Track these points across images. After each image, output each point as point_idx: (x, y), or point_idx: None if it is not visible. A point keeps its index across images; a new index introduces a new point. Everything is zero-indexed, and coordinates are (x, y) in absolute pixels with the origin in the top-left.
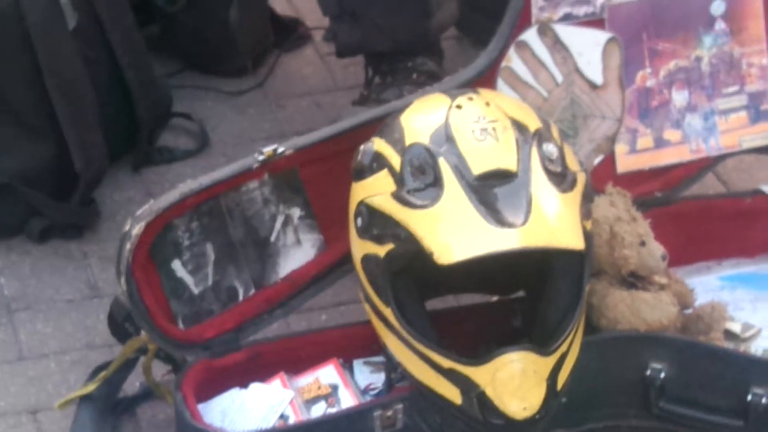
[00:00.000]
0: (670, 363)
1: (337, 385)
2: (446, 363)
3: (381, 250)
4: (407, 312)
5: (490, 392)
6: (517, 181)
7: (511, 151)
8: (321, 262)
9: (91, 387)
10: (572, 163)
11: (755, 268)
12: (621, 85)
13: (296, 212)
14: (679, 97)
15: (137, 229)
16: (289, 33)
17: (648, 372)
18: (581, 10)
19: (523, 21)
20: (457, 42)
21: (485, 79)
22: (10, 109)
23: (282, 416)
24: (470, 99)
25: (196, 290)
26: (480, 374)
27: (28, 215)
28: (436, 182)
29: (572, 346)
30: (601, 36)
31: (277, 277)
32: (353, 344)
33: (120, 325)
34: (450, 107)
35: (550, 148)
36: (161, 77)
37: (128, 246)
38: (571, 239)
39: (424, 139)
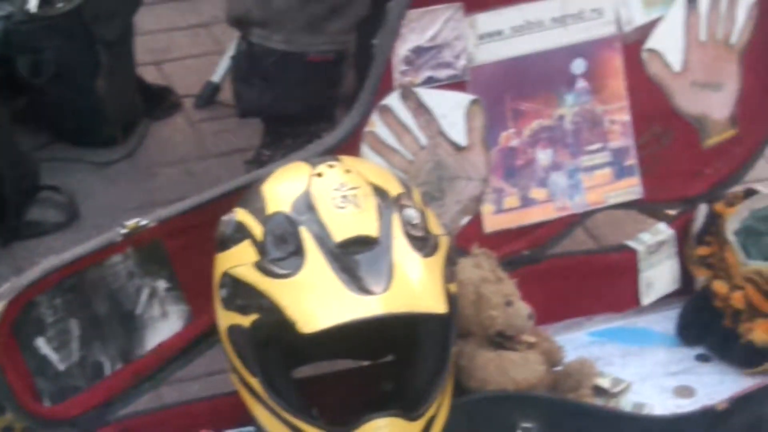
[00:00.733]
0: (539, 421)
1: None
2: None
3: (246, 321)
4: (274, 382)
5: None
6: (379, 247)
7: (373, 217)
8: (188, 334)
9: None
10: (434, 227)
11: (624, 323)
12: (485, 145)
13: (162, 284)
14: (544, 156)
15: None
16: (159, 101)
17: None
18: (443, 73)
19: (385, 86)
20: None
21: (349, 144)
22: None
23: None
24: (330, 166)
25: (61, 367)
26: None
27: None
28: (298, 251)
29: (441, 409)
30: (463, 98)
31: (145, 350)
32: (224, 415)
33: None
34: (311, 175)
35: (412, 213)
36: (28, 151)
37: None
38: (434, 303)
39: (286, 208)
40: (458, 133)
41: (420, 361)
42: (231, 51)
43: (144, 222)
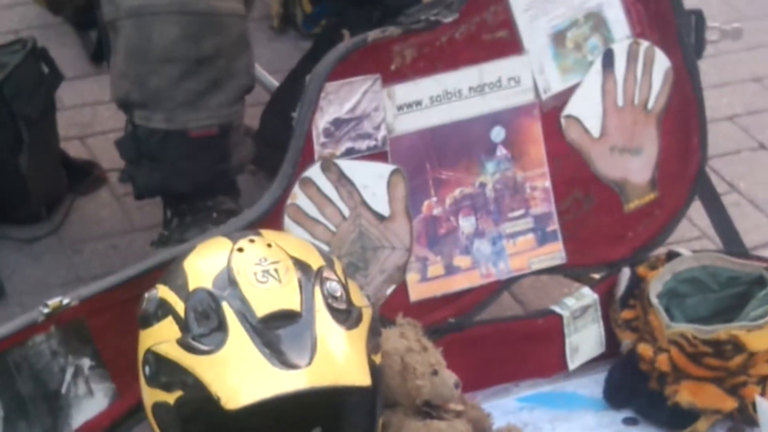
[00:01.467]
0: None
1: None
2: None
3: (170, 398)
4: None
5: None
6: (301, 321)
7: (294, 291)
8: (114, 412)
9: None
10: (357, 299)
11: (552, 388)
12: (408, 215)
13: (86, 362)
14: (467, 224)
15: None
16: (83, 176)
17: None
18: (363, 144)
19: (306, 158)
20: (251, 176)
21: (271, 218)
22: None
23: None
24: (251, 241)
25: None
26: None
27: None
28: (221, 327)
29: None
30: (384, 168)
31: (70, 430)
32: None
33: None
34: (232, 250)
35: (334, 286)
36: None
37: None
38: (357, 376)
39: (207, 284)
40: (380, 204)
41: None
42: None
43: (66, 301)
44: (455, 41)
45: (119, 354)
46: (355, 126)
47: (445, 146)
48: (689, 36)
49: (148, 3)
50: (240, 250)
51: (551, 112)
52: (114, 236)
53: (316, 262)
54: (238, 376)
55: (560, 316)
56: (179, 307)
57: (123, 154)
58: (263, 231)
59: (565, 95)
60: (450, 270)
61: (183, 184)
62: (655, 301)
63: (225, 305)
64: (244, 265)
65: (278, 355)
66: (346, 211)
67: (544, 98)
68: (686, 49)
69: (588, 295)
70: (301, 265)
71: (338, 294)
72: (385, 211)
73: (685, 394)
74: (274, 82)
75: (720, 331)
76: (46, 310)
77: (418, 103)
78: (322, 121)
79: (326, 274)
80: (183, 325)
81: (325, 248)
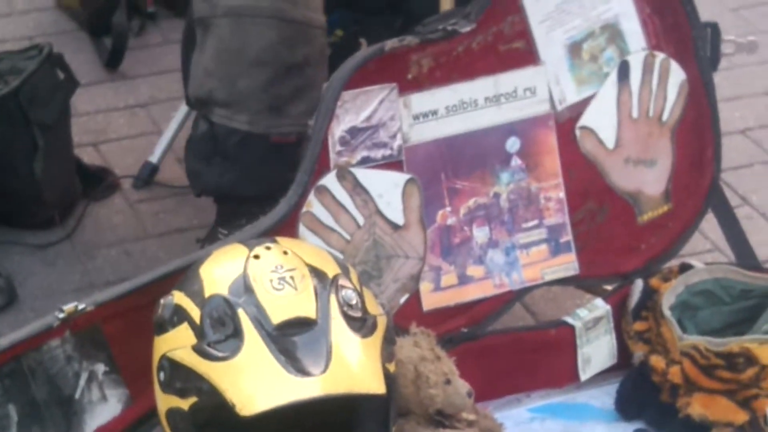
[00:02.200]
0: None
1: None
2: None
3: (185, 404)
4: None
5: None
6: (317, 328)
7: (310, 299)
8: (128, 417)
9: None
10: (372, 307)
11: (564, 398)
12: (422, 224)
13: (101, 368)
14: (480, 234)
15: None
16: (97, 182)
17: None
18: (379, 153)
19: (322, 166)
20: None
21: (286, 225)
22: None
23: None
24: (268, 248)
25: None
26: None
27: None
28: (236, 333)
29: None
30: (399, 178)
31: None
32: None
33: None
34: (248, 257)
35: (349, 294)
36: None
37: None
38: (372, 384)
39: (223, 291)
40: (395, 213)
41: None
42: (170, 131)
43: (81, 306)
44: (472, 51)
45: (134, 360)
46: (371, 135)
47: (460, 156)
48: (705, 49)
49: (248, 4)
50: (256, 257)
51: (566, 123)
52: (127, 242)
53: (331, 269)
54: (253, 382)
55: (572, 327)
56: (195, 313)
57: (193, 151)
58: (279, 238)
59: (580, 106)
60: (463, 280)
61: (254, 188)
62: (667, 313)
63: (241, 312)
64: (260, 272)
65: (293, 363)
66: (361, 220)
67: (560, 109)
68: (702, 61)
69: (600, 307)
70: (316, 273)
71: (353, 302)
72: (399, 220)
73: (696, 407)
74: None
75: (732, 343)
76: (61, 315)
77: (434, 112)
78: (338, 130)
79: (342, 282)
80: (198, 331)
81: (340, 256)
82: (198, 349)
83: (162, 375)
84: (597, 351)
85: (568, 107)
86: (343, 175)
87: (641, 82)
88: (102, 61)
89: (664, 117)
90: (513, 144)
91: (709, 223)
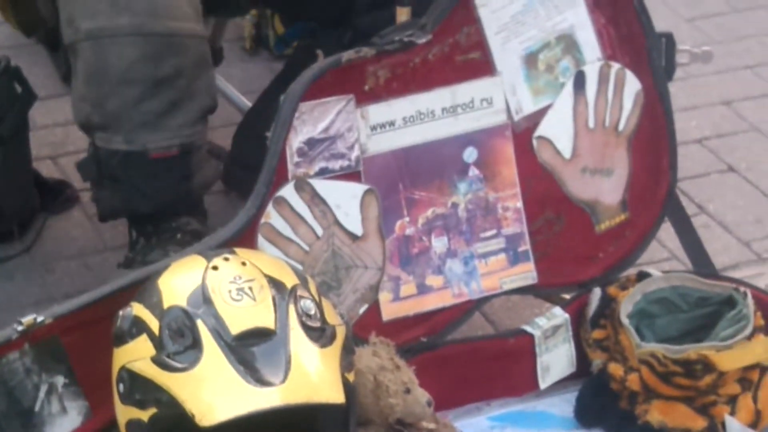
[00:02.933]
0: None
1: None
2: None
3: (144, 415)
4: None
5: None
6: (276, 339)
7: (269, 309)
8: (88, 429)
9: None
10: (331, 318)
11: (523, 407)
12: (381, 234)
13: (60, 380)
14: (439, 244)
15: None
16: (56, 195)
17: None
18: (337, 164)
19: (280, 177)
20: (224, 196)
21: (245, 237)
22: None
23: None
24: (226, 259)
25: None
26: None
27: None
28: (195, 344)
29: None
30: (358, 188)
31: None
32: None
33: None
34: (206, 268)
35: (308, 304)
36: None
37: None
38: (331, 394)
39: (182, 302)
40: (353, 223)
41: None
42: None
43: (40, 318)
44: (428, 62)
45: (93, 372)
46: (328, 146)
47: (417, 166)
48: (660, 59)
49: (106, 26)
50: (214, 268)
51: (523, 133)
52: (86, 255)
53: (290, 280)
54: (212, 393)
55: (531, 336)
56: (154, 324)
57: (85, 175)
58: (238, 249)
59: (537, 116)
60: (422, 289)
61: (145, 205)
62: (625, 321)
63: (200, 323)
64: (219, 283)
65: (252, 373)
66: (320, 231)
67: (516, 119)
68: (657, 71)
69: (559, 315)
70: (275, 284)
71: (312, 312)
72: (357, 230)
73: (655, 414)
74: (247, 103)
75: (690, 350)
76: (20, 328)
77: (392, 123)
78: (295, 141)
79: (300, 292)
80: (157, 342)
81: (299, 267)
82: (157, 361)
83: (121, 386)
84: (556, 359)
85: (525, 117)
86: (302, 186)
87: (597, 92)
88: (60, 75)
89: (620, 127)
90: (470, 154)
91: (667, 232)
